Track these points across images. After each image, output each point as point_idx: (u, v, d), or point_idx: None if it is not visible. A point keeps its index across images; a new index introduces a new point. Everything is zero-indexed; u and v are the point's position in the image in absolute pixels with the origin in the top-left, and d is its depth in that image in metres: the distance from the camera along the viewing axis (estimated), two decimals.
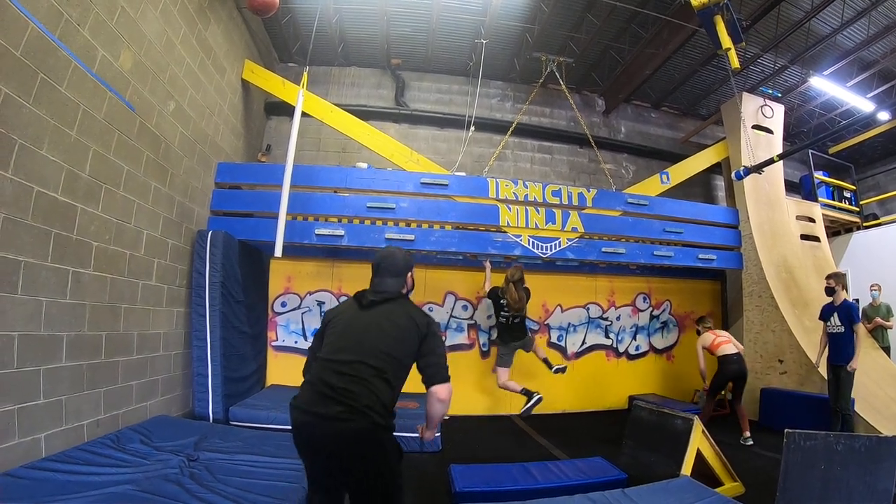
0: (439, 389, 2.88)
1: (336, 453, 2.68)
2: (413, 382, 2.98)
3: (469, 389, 8.99)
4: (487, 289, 7.93)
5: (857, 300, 10.47)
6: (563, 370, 7.78)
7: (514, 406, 8.93)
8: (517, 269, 7.58)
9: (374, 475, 2.71)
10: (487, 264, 8.22)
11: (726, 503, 3.95)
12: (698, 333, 7.95)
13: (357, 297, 3.14)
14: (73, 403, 4.53)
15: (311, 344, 3.24)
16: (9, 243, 3.78)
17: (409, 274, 3.41)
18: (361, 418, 2.65)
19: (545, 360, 7.80)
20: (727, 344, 7.41)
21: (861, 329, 6.89)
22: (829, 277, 7.36)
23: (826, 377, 7.16)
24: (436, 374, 2.90)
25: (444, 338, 3.51)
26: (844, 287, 7.26)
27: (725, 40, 7.24)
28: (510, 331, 7.57)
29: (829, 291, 7.25)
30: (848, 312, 6.97)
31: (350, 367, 2.77)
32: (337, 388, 2.71)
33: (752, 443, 6.98)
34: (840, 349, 6.88)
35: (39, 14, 3.93)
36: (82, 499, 3.29)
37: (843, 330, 6.94)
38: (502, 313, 7.56)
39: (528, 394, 7.34)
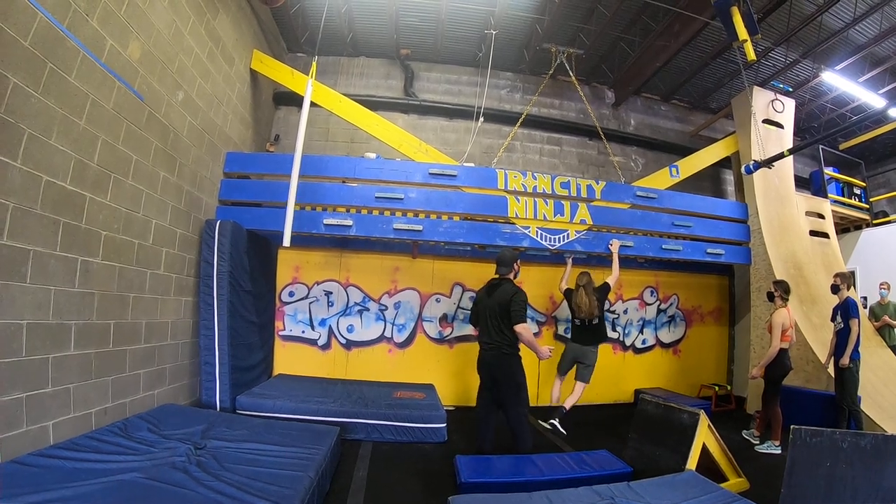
0: (517, 326, 5.35)
1: (490, 365, 5.64)
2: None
3: (475, 381, 8.89)
4: (564, 287, 7.96)
5: (866, 298, 10.44)
6: (552, 427, 7.46)
7: None
8: (584, 274, 7.59)
9: (508, 375, 5.52)
10: (569, 261, 8.29)
11: (731, 499, 3.94)
12: (770, 298, 7.34)
13: (487, 285, 5.89)
14: (80, 391, 4.57)
15: (472, 308, 6.20)
16: (18, 232, 3.79)
17: (515, 263, 5.86)
18: (496, 349, 5.54)
19: (564, 409, 7.34)
20: (790, 334, 6.96)
21: (856, 325, 6.81)
22: (835, 276, 7.33)
23: (833, 375, 7.15)
24: (515, 318, 5.37)
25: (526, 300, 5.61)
26: (850, 286, 7.21)
27: (742, 32, 7.20)
28: (581, 332, 7.53)
29: (835, 289, 7.26)
30: (846, 309, 6.99)
31: (490, 330, 5.60)
32: (489, 340, 5.62)
33: (779, 451, 6.53)
34: (842, 346, 6.88)
35: (47, 4, 3.92)
36: (90, 486, 3.31)
37: (843, 327, 6.97)
38: (577, 316, 7.57)
39: (553, 414, 7.30)
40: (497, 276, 5.83)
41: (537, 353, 5.54)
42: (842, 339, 6.95)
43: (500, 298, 5.51)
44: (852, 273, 10.83)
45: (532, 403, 7.66)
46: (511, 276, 5.80)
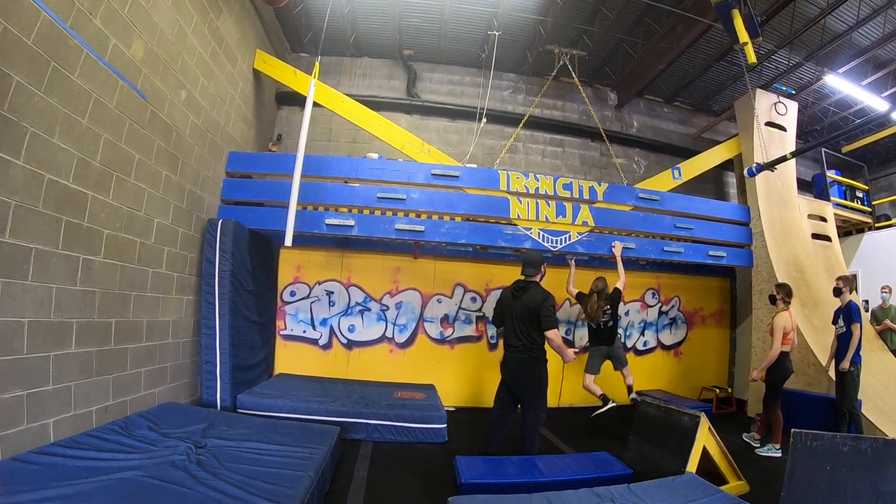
0: (548, 332, 5.30)
1: (515, 368, 5.54)
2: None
3: (475, 382, 9.01)
4: (572, 289, 8.03)
5: (867, 301, 10.41)
6: (636, 401, 7.65)
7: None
8: (600, 279, 7.73)
9: (533, 378, 5.49)
10: (572, 263, 8.30)
11: (731, 501, 3.94)
12: (772, 301, 7.36)
13: (513, 286, 5.75)
14: (81, 389, 4.57)
15: (495, 309, 6.01)
16: (20, 230, 3.80)
17: (542, 266, 5.75)
18: (524, 352, 5.46)
19: (629, 387, 7.81)
20: (792, 338, 6.97)
21: (858, 329, 6.80)
22: (838, 279, 7.32)
23: (834, 378, 7.14)
24: (546, 323, 5.30)
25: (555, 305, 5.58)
26: (852, 290, 7.20)
27: (743, 35, 7.18)
28: (597, 334, 7.73)
29: (837, 292, 7.24)
30: (848, 313, 6.97)
31: (517, 333, 5.50)
32: (516, 343, 5.51)
33: (779, 454, 6.55)
34: (844, 350, 6.88)
35: (51, 2, 3.93)
36: (90, 484, 3.31)
37: (845, 331, 6.96)
38: (590, 321, 7.77)
39: (605, 400, 7.36)
40: (523, 277, 5.73)
41: (564, 356, 5.47)
42: (843, 343, 6.94)
43: (529, 302, 5.44)
44: (854, 276, 10.81)
45: (557, 403, 7.73)
46: (538, 278, 5.70)
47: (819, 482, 4.04)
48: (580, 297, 7.85)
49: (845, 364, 6.74)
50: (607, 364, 7.81)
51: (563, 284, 8.13)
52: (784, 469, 4.09)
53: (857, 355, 6.81)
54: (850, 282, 7.28)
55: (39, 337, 4.04)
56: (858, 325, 6.83)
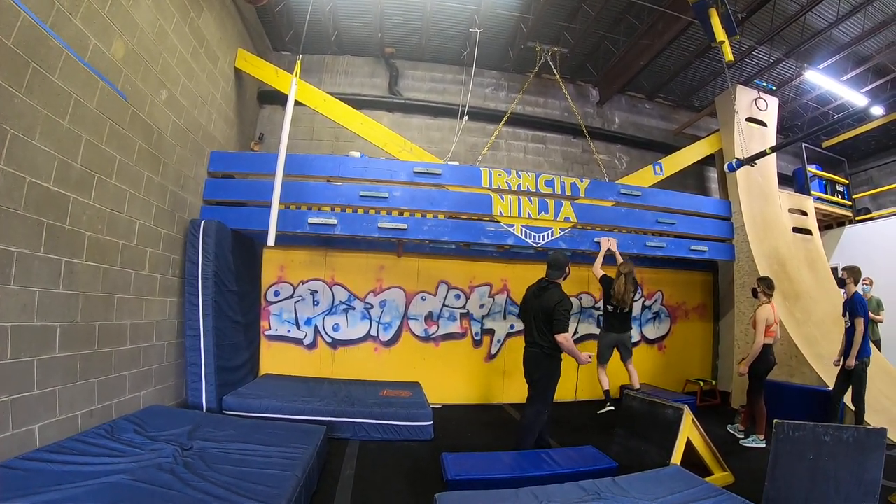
0: (557, 335, 5.46)
1: (528, 361, 5.84)
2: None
3: (461, 379, 9.06)
4: (598, 271, 8.06)
5: None
6: (610, 409, 7.72)
7: (506, 395, 9.00)
8: (627, 263, 7.76)
9: (541, 373, 5.70)
10: (610, 243, 8.41)
11: (715, 492, 3.99)
12: (754, 294, 7.48)
13: (536, 285, 6.01)
14: (66, 394, 4.54)
15: (521, 306, 6.30)
16: (1, 234, 3.76)
17: (566, 267, 5.92)
18: (538, 347, 5.68)
19: (606, 392, 7.86)
20: (774, 330, 7.04)
21: (861, 324, 6.62)
22: (843, 269, 7.31)
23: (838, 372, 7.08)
24: (556, 326, 5.47)
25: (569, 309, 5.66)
26: (857, 281, 7.13)
27: (720, 33, 7.25)
28: (614, 319, 7.83)
29: (841, 284, 7.25)
30: (853, 306, 6.82)
31: (535, 331, 5.72)
32: (532, 339, 5.77)
33: (764, 445, 6.59)
34: (850, 345, 6.73)
35: (30, 2, 3.89)
36: (77, 489, 3.30)
37: (850, 324, 6.83)
38: (610, 303, 7.79)
39: (607, 398, 7.50)
40: (546, 278, 5.93)
41: (577, 359, 5.64)
42: (848, 338, 6.79)
43: (545, 303, 5.65)
44: (859, 268, 10.87)
45: (571, 398, 7.87)
46: (561, 279, 5.90)
47: (802, 471, 4.10)
48: (605, 280, 7.92)
49: (850, 361, 6.61)
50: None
51: (582, 280, 8.09)
52: (768, 459, 4.15)
53: (866, 350, 6.68)
54: (854, 273, 7.08)
55: (23, 341, 4.01)
56: (861, 318, 6.67)
